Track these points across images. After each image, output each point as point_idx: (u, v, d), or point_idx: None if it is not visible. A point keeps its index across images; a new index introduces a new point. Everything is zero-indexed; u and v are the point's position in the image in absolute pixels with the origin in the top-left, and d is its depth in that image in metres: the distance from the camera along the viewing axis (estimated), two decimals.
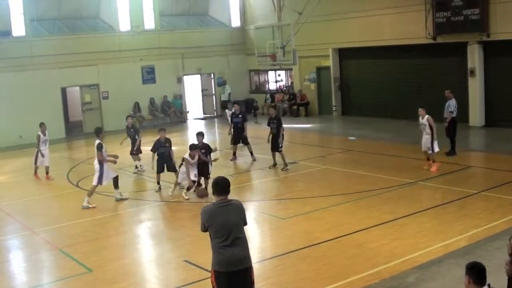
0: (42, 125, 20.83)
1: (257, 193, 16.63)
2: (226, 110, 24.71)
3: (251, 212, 14.65)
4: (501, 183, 15.78)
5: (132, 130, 20.73)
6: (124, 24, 33.00)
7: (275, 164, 19.55)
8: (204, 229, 7.58)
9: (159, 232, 14.15)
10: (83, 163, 23.17)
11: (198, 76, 36.82)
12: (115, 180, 16.68)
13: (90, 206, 16.12)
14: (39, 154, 20.49)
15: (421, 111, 18.00)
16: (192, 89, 37.53)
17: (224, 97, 35.20)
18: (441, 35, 25.40)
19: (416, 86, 27.71)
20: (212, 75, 36.46)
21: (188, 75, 35.52)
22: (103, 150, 16.12)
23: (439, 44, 25.78)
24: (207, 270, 7.62)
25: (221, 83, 35.95)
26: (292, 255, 11.50)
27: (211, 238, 7.55)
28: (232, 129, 21.75)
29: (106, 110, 31.86)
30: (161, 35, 33.82)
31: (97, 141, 16.35)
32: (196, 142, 16.87)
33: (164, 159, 17.60)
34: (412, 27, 26.18)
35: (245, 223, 7.71)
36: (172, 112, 33.97)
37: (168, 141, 17.77)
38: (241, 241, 7.52)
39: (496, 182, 15.92)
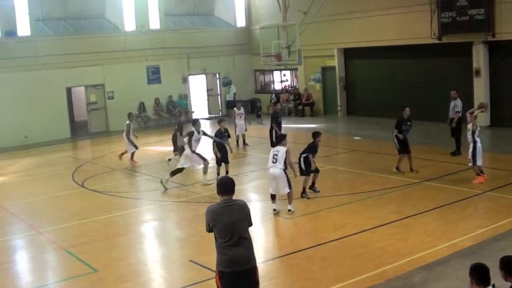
0: (130, 115, 22.61)
1: (262, 193, 16.61)
2: (235, 109, 24.76)
3: (256, 212, 14.65)
4: (506, 183, 15.74)
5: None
6: (129, 24, 33.05)
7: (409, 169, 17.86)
8: (209, 229, 7.58)
9: (164, 232, 14.18)
10: (88, 163, 23.21)
11: (203, 76, 36.86)
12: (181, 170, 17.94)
13: (209, 182, 17.55)
14: (134, 140, 21.80)
15: (468, 116, 16.42)
16: (198, 89, 37.58)
17: (229, 97, 35.24)
18: (446, 35, 25.34)
19: (421, 86, 27.66)
20: (217, 75, 36.51)
21: (193, 75, 35.57)
22: (193, 136, 17.54)
23: (444, 44, 25.73)
24: (212, 270, 7.65)
25: (226, 83, 35.96)
26: (297, 255, 11.51)
27: (215, 238, 7.54)
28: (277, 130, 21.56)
29: (111, 110, 31.91)
30: (166, 35, 33.86)
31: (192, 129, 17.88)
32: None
33: (224, 150, 18.23)
34: (417, 27, 26.13)
35: (250, 224, 7.69)
36: (177, 112, 33.98)
37: (227, 131, 18.51)
38: (245, 241, 7.50)
39: (501, 182, 15.87)
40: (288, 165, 14.32)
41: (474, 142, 15.86)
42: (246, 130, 24.79)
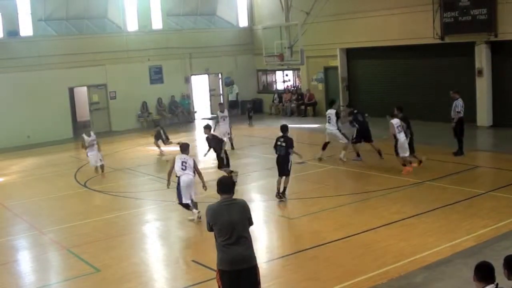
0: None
1: (265, 193, 16.61)
2: (218, 112, 24.13)
3: (259, 212, 14.66)
4: (508, 183, 15.71)
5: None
6: (131, 24, 33.08)
7: None
8: (209, 228, 7.60)
9: (166, 232, 14.18)
10: None
11: (206, 76, 36.85)
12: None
13: (345, 160, 19.68)
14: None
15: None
16: (200, 89, 37.57)
17: (232, 97, 35.24)
18: (449, 35, 25.31)
19: (424, 86, 27.64)
20: (219, 75, 36.48)
21: (195, 75, 35.55)
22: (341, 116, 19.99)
23: (446, 44, 25.70)
24: (214, 270, 7.65)
25: (228, 83, 35.94)
26: (300, 255, 11.51)
27: (215, 237, 7.56)
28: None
29: (114, 110, 31.93)
30: (169, 35, 33.86)
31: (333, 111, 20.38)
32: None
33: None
34: (419, 27, 26.09)
35: (251, 223, 7.68)
36: (180, 112, 34.01)
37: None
38: (245, 240, 7.51)
39: (504, 182, 15.86)
40: (199, 175, 13.99)
41: (396, 137, 17.58)
42: (229, 134, 23.30)
